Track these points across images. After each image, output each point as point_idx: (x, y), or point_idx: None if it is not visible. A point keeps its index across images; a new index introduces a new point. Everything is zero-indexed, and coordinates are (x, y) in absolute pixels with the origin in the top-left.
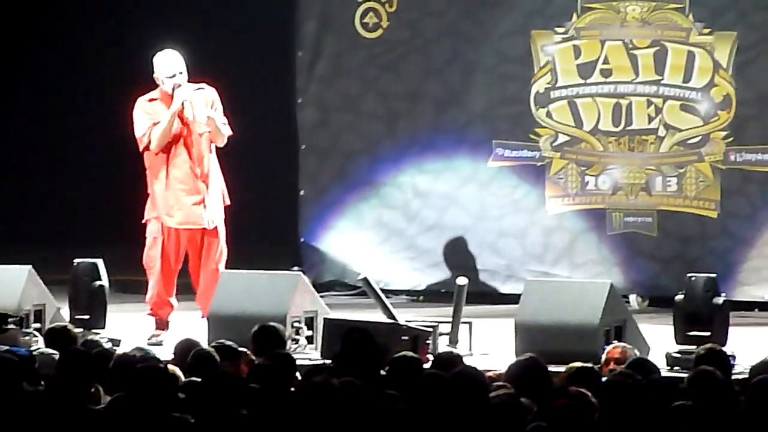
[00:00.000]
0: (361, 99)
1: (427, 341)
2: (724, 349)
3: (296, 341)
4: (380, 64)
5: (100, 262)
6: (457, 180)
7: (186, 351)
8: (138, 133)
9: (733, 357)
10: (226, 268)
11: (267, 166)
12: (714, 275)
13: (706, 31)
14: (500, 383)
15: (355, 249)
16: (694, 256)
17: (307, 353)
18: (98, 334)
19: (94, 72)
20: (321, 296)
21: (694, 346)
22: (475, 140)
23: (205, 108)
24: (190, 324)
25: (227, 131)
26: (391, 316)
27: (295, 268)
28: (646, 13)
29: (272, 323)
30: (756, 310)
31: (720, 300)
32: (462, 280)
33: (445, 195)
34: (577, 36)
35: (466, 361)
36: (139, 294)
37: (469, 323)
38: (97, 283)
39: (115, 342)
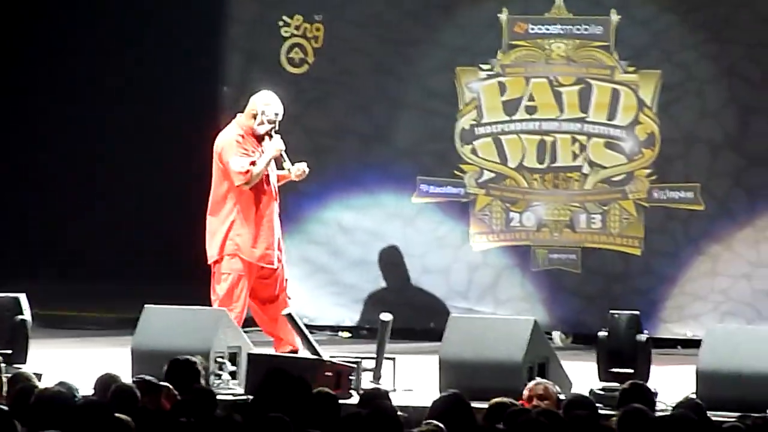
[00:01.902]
0: (287, 134)
1: (351, 377)
2: (647, 384)
3: (219, 376)
4: (305, 98)
5: (22, 297)
6: (382, 216)
7: (106, 385)
8: (237, 168)
9: (656, 394)
10: (151, 303)
11: (191, 200)
12: (637, 312)
13: (631, 69)
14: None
15: None
16: (618, 293)
17: (231, 388)
18: (19, 368)
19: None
20: (245, 332)
21: (617, 383)
22: (401, 176)
23: (299, 163)
24: (114, 358)
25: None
26: (314, 351)
27: None
28: (571, 51)
29: (186, 356)
30: (678, 347)
31: (643, 337)
32: (386, 316)
33: (369, 231)
34: (503, 73)
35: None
36: (62, 329)
37: (393, 359)
38: (19, 317)
39: (38, 376)
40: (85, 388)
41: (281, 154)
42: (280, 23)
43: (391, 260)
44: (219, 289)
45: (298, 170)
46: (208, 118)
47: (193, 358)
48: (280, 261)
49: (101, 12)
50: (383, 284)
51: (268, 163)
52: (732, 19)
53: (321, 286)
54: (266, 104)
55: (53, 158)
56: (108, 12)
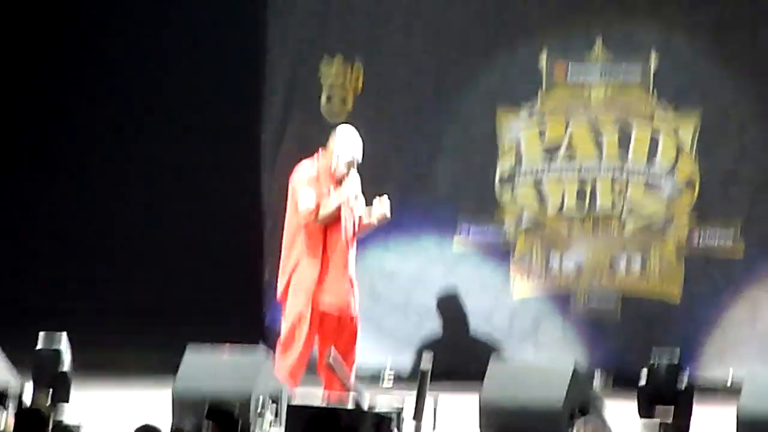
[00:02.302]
0: None
1: (391, 427)
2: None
3: (262, 421)
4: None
5: (64, 337)
6: (423, 260)
7: None
8: (306, 204)
9: None
10: (194, 343)
11: (233, 244)
12: (678, 357)
13: (670, 110)
14: None
15: None
16: (658, 338)
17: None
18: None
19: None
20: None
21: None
22: (441, 220)
23: (378, 211)
24: (154, 402)
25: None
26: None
27: (261, 344)
28: (611, 94)
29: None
30: (719, 392)
31: (684, 382)
32: (426, 366)
33: (411, 275)
34: (542, 118)
35: None
36: (106, 372)
37: (435, 396)
38: (62, 360)
39: (76, 429)
40: None
41: (359, 200)
42: (321, 65)
43: (433, 304)
44: (282, 328)
45: (378, 213)
46: (249, 163)
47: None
48: (354, 309)
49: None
50: (425, 328)
51: (338, 206)
52: None
53: (362, 331)
54: (341, 143)
55: (98, 197)
56: (149, 58)
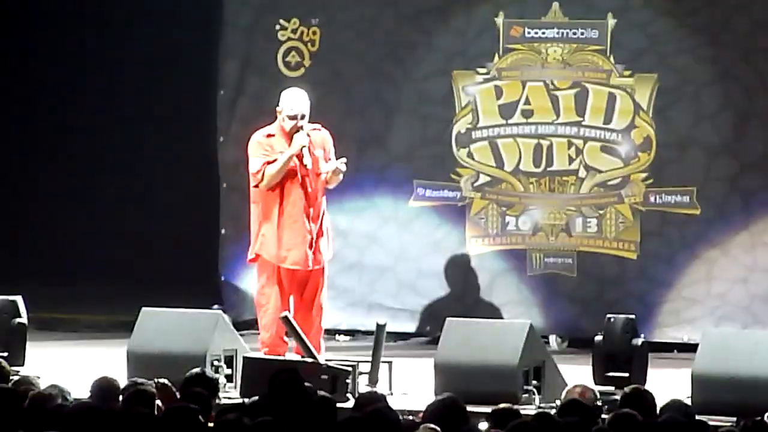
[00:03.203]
0: None
1: (347, 380)
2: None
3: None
4: None
5: (19, 299)
6: (377, 219)
7: (102, 388)
8: (252, 169)
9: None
10: (148, 305)
11: (189, 204)
12: (633, 316)
13: (627, 73)
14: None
15: None
16: (614, 298)
17: (227, 392)
18: (17, 371)
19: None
20: (241, 335)
21: (613, 387)
22: (397, 180)
23: (324, 161)
24: (110, 361)
25: (341, 176)
26: (310, 354)
27: (216, 306)
28: (567, 55)
29: (207, 370)
30: (674, 351)
31: (639, 341)
32: (382, 320)
33: (365, 234)
34: (499, 77)
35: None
36: (58, 331)
37: (389, 363)
38: (17, 320)
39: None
40: (82, 391)
41: (305, 153)
42: (277, 27)
43: (387, 264)
44: (255, 289)
45: (320, 167)
46: (205, 121)
47: (212, 373)
48: (317, 263)
49: (95, 15)
50: (379, 288)
51: (287, 163)
52: (729, 24)
53: None
54: (282, 101)
55: (48, 160)
56: (101, 15)
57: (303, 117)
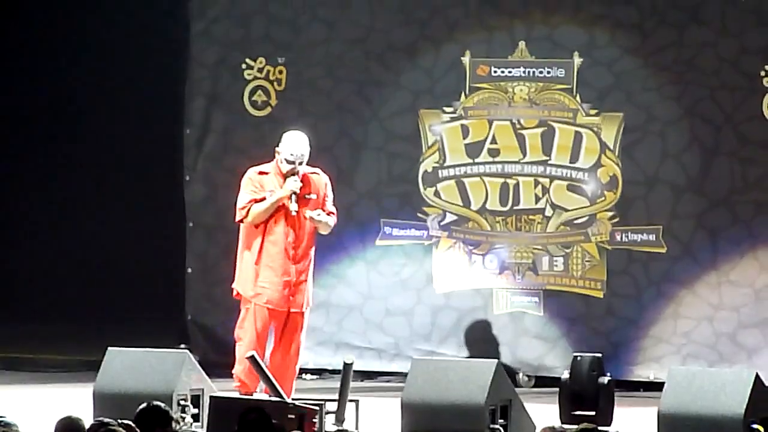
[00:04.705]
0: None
1: (314, 419)
2: (604, 429)
3: (182, 419)
4: (269, 141)
5: None
6: (345, 258)
7: (67, 428)
8: (239, 204)
9: None
10: (114, 345)
11: (155, 243)
12: (599, 355)
13: (594, 111)
14: None
15: None
16: (580, 336)
17: (194, 431)
18: None
19: None
20: (208, 374)
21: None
22: (364, 218)
23: (317, 206)
24: (76, 401)
25: (332, 222)
26: (277, 393)
27: (182, 346)
28: (534, 94)
29: (157, 402)
30: (641, 390)
31: (605, 380)
32: (349, 359)
33: (332, 273)
34: (465, 115)
35: None
36: (22, 371)
37: (356, 401)
38: None
39: None
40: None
41: (292, 199)
42: (243, 66)
43: (354, 303)
44: (237, 326)
45: (309, 216)
46: (171, 160)
47: (164, 405)
48: (295, 306)
49: (62, 49)
50: (346, 326)
51: (274, 203)
52: (695, 62)
53: None
54: (282, 143)
55: (9, 199)
56: (67, 49)
57: (302, 163)
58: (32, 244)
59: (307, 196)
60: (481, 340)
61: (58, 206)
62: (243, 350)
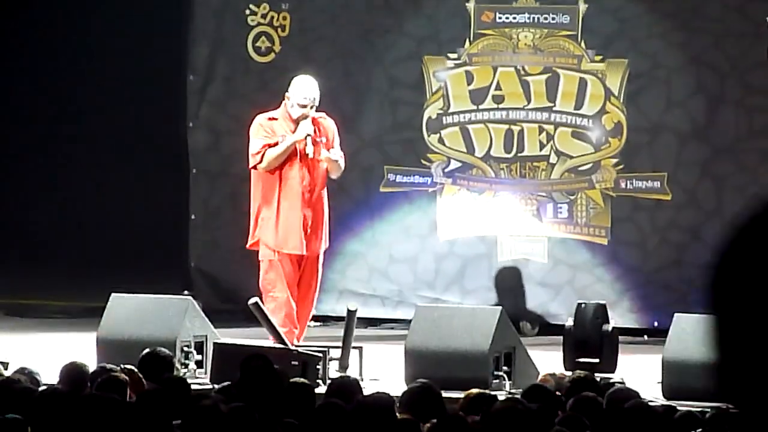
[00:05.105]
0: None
1: (318, 366)
2: (608, 375)
3: (185, 366)
4: (272, 88)
5: None
6: (349, 205)
7: (72, 373)
8: (252, 150)
9: (622, 383)
10: (118, 291)
11: (158, 190)
12: (603, 302)
13: (598, 58)
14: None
15: (245, 273)
16: (584, 283)
17: (197, 378)
18: None
19: None
20: (211, 321)
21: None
22: (368, 165)
23: (326, 149)
24: (79, 347)
25: (342, 164)
26: (281, 340)
27: (186, 292)
28: (538, 40)
29: (160, 348)
30: (645, 336)
31: (609, 327)
32: (353, 306)
33: (336, 220)
34: (470, 62)
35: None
36: (27, 317)
37: (360, 348)
38: None
39: (4, 365)
40: (52, 377)
41: (308, 141)
42: (247, 12)
43: (358, 250)
44: (261, 276)
45: (320, 155)
46: (175, 106)
47: (166, 351)
48: (312, 250)
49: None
50: (350, 274)
51: (289, 147)
52: (700, 9)
53: None
54: (293, 88)
55: (15, 147)
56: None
57: (313, 107)
58: (36, 191)
59: (318, 140)
60: (485, 287)
61: (61, 153)
62: (276, 302)
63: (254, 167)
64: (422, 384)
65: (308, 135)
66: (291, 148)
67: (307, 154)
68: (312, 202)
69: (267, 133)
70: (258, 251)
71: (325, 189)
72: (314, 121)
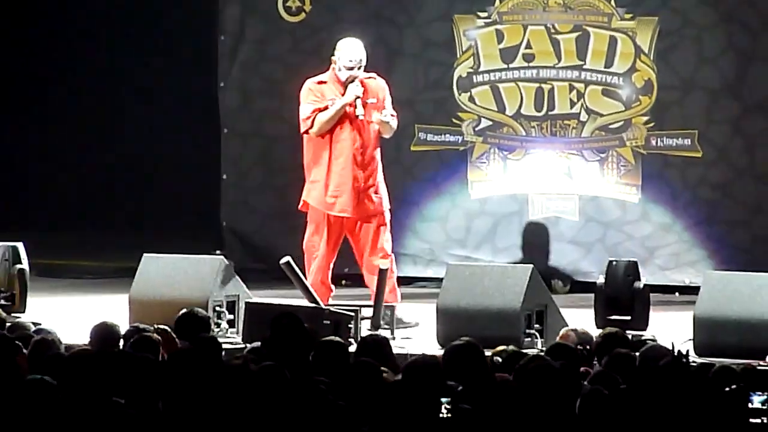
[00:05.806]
0: (284, 83)
1: (349, 325)
2: (639, 333)
3: (218, 325)
4: (303, 48)
5: (20, 246)
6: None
7: (102, 333)
8: (302, 115)
9: (654, 340)
10: (149, 251)
11: (189, 150)
12: (635, 260)
13: (628, 16)
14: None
15: (277, 233)
16: (616, 241)
17: (229, 337)
18: (18, 317)
19: None
20: (243, 281)
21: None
22: (398, 124)
23: (377, 110)
24: (112, 307)
25: (395, 124)
26: (313, 299)
27: (218, 252)
28: None
29: (197, 309)
30: (676, 294)
31: (640, 284)
32: (384, 264)
33: None
34: (500, 21)
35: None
36: (60, 278)
37: (392, 307)
38: (18, 266)
39: (35, 326)
40: (83, 337)
41: (358, 103)
42: None
43: (390, 208)
44: (306, 236)
45: (371, 117)
46: (206, 67)
47: (203, 312)
48: (365, 211)
49: None
50: None
51: (339, 110)
52: None
53: None
54: (338, 51)
55: (51, 107)
56: None
57: (360, 68)
58: (68, 152)
59: (368, 101)
60: (516, 245)
61: (92, 113)
62: (316, 263)
63: (305, 132)
64: (465, 342)
65: (357, 97)
66: (341, 111)
67: (357, 116)
68: (364, 163)
69: (317, 98)
70: (307, 213)
71: (378, 150)
72: (363, 83)
